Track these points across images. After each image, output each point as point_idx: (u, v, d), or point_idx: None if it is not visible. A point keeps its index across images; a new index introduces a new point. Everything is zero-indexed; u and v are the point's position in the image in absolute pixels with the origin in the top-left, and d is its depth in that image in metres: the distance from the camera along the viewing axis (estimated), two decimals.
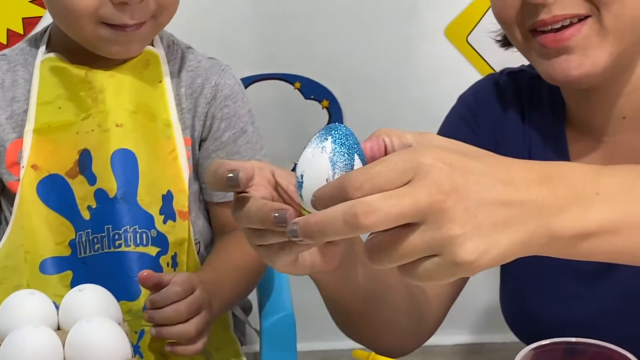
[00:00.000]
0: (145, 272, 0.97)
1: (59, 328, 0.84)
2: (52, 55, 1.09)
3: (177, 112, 1.12)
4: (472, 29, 1.88)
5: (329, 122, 1.93)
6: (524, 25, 0.84)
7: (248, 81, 1.87)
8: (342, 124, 0.68)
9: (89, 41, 1.05)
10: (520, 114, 0.99)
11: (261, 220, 0.64)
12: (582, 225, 0.61)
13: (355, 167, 0.63)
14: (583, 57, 0.85)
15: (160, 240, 1.09)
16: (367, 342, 0.91)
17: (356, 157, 0.64)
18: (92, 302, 0.86)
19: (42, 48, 1.11)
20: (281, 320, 1.14)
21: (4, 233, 1.09)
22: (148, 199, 1.06)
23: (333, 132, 0.66)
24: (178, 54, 1.14)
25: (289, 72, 1.90)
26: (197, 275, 1.02)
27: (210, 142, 1.13)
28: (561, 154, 0.92)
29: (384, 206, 0.55)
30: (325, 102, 1.94)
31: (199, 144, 1.14)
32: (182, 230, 1.09)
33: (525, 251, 0.59)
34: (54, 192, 1.07)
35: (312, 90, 1.92)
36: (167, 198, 1.08)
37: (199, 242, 1.13)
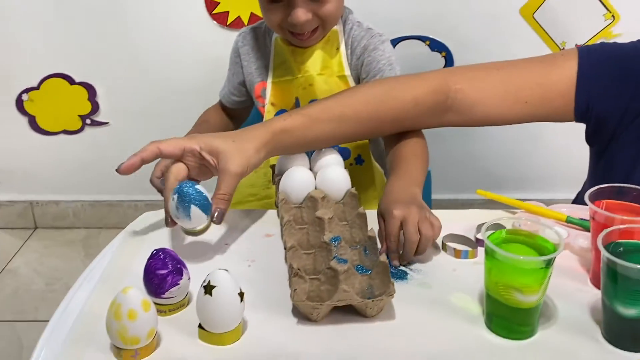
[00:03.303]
0: None
1: (310, 169, 0.98)
2: (277, 35, 1.26)
3: (348, 67, 1.25)
4: (538, 7, 2.01)
5: (444, 67, 2.09)
6: None
7: (398, 40, 2.11)
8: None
9: (285, 38, 1.23)
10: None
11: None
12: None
13: (192, 214, 0.69)
14: None
15: (342, 152, 1.18)
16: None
17: (192, 207, 0.69)
18: (328, 156, 1.00)
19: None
20: None
21: None
22: None
23: (178, 189, 0.70)
24: (348, 27, 1.26)
25: (421, 34, 2.13)
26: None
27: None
28: None
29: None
30: (443, 54, 2.15)
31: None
32: None
33: None
34: None
35: (435, 45, 2.14)
36: None
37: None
